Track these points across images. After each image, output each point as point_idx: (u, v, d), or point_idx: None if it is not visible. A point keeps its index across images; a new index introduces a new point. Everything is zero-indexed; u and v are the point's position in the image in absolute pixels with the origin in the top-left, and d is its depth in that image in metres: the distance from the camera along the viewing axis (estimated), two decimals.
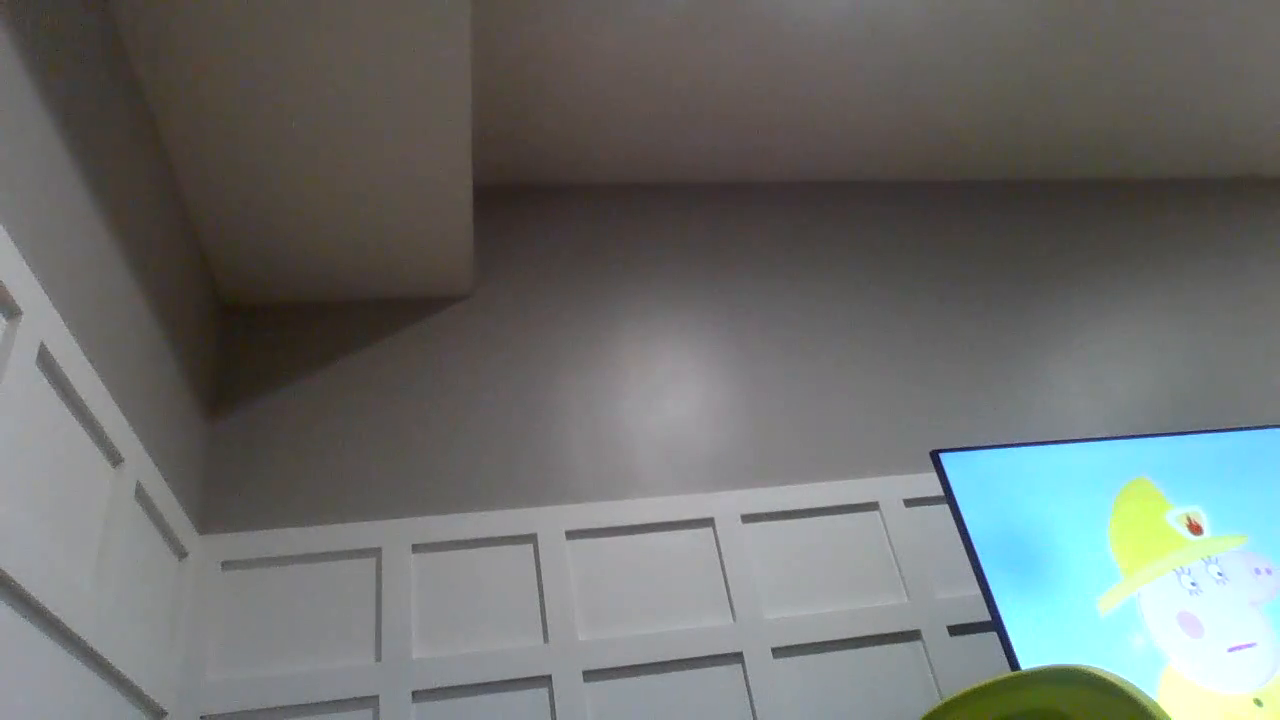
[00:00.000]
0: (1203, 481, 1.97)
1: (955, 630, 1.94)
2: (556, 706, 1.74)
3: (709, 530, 2.02)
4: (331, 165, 1.89)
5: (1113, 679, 1.15)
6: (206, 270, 2.06)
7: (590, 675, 1.79)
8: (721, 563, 1.97)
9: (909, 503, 2.12)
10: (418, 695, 1.72)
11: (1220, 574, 1.85)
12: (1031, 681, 1.31)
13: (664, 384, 2.26)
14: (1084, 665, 1.23)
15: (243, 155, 1.82)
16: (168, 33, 1.57)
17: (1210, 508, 1.94)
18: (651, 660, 1.82)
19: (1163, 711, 1.09)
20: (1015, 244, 2.78)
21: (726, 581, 1.95)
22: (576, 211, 2.55)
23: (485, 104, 2.23)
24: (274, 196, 1.92)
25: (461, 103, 1.80)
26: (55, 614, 1.13)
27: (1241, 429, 2.08)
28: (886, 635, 1.94)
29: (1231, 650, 1.74)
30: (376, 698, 1.69)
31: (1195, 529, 1.91)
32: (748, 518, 2.05)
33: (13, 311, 1.10)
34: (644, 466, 2.11)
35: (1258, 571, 1.88)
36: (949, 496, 1.79)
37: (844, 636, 1.91)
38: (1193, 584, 1.83)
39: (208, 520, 1.88)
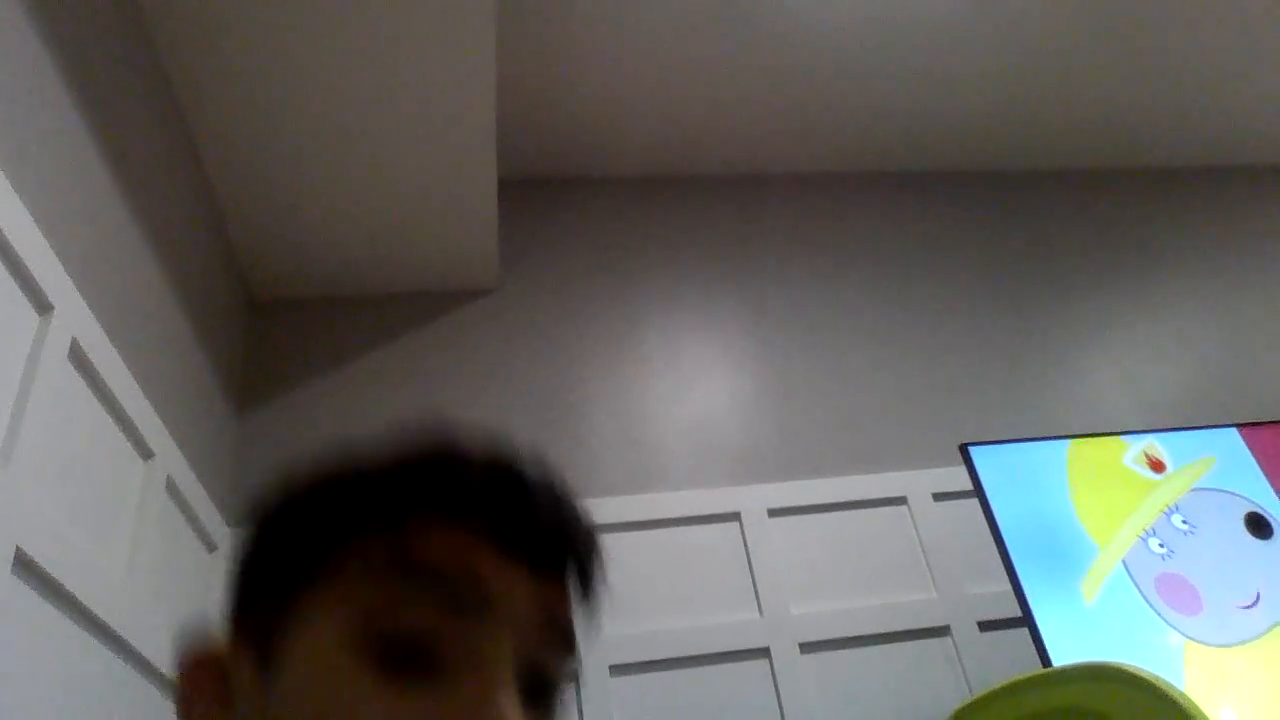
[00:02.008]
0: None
1: (985, 626, 1.92)
2: (582, 701, 1.74)
3: (735, 524, 2.01)
4: (358, 161, 1.90)
5: (1148, 676, 1.13)
6: (235, 265, 2.07)
7: (616, 670, 1.79)
8: (748, 557, 1.97)
9: (938, 497, 2.10)
10: None
11: (1186, 523, 1.73)
12: (1064, 678, 1.29)
13: (690, 377, 2.25)
14: (1118, 662, 1.21)
15: (271, 151, 1.83)
16: (197, 30, 1.58)
17: (1167, 439, 1.82)
18: (677, 655, 1.82)
19: (1198, 708, 1.07)
20: (1045, 235, 2.74)
21: (753, 576, 1.94)
22: (601, 204, 2.55)
23: (509, 97, 2.23)
24: (301, 192, 1.93)
25: (486, 96, 1.80)
26: (87, 605, 1.14)
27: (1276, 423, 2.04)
28: (915, 631, 1.92)
29: (1242, 608, 1.67)
30: None
31: (1157, 466, 1.80)
32: (775, 512, 2.03)
33: (45, 307, 1.11)
34: (670, 460, 2.10)
35: (1225, 505, 1.75)
36: (978, 490, 1.77)
37: (872, 632, 1.90)
38: (1162, 545, 1.70)
39: (238, 514, 1.90)
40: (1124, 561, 1.67)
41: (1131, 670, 1.17)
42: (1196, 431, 1.87)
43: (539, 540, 0.45)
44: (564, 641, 0.45)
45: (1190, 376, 2.47)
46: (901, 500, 2.09)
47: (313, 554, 0.43)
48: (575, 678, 0.38)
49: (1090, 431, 2.07)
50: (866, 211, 2.69)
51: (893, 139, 2.69)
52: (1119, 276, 2.67)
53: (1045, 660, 1.55)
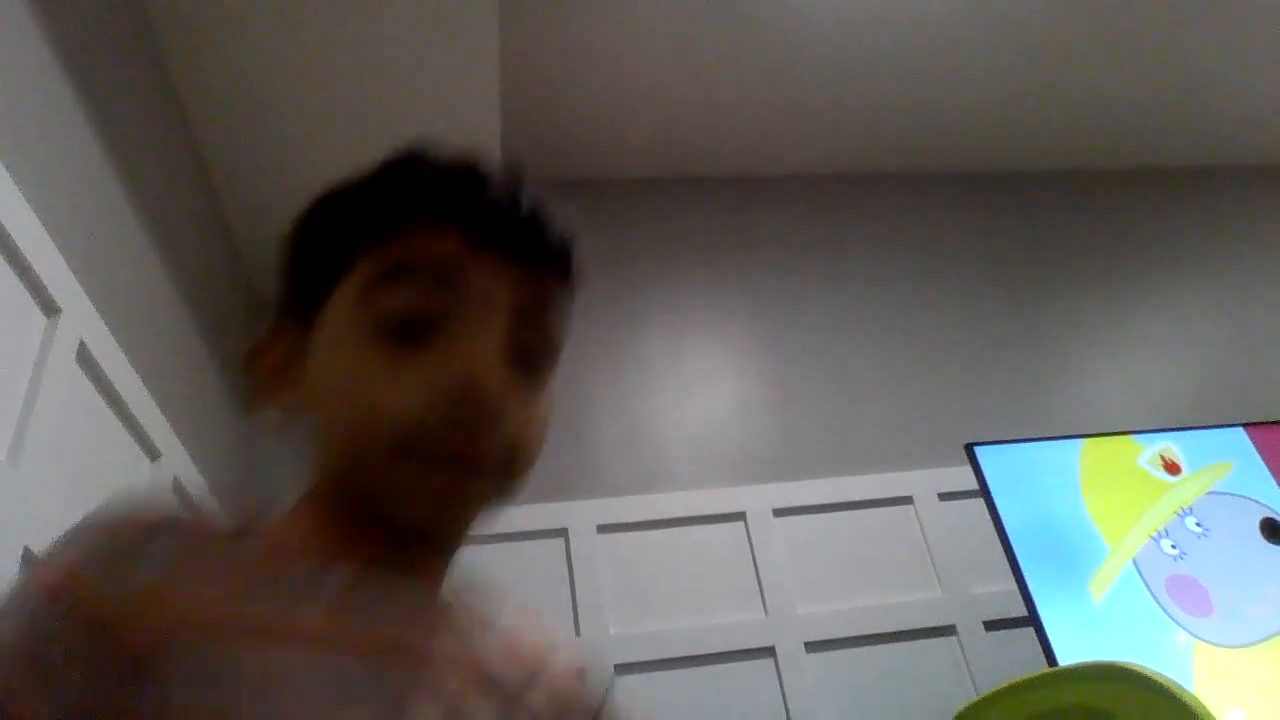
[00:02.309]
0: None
1: (991, 625, 1.92)
2: None
3: (740, 524, 2.01)
4: (362, 163, 1.90)
5: (1156, 676, 1.13)
6: (241, 266, 2.08)
7: (621, 669, 1.79)
8: (753, 557, 1.97)
9: (943, 496, 2.09)
10: None
11: (1200, 525, 1.72)
12: (1071, 678, 1.29)
13: (694, 378, 2.25)
14: (1126, 662, 1.21)
15: (276, 153, 1.83)
16: (202, 35, 1.59)
17: (1183, 441, 1.81)
18: (683, 654, 1.82)
19: (1206, 709, 1.07)
20: (1049, 236, 2.73)
21: (758, 576, 1.94)
22: (604, 206, 2.55)
23: (512, 100, 2.24)
24: (306, 193, 1.92)
25: (489, 100, 1.81)
26: None
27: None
28: (920, 630, 1.92)
29: (1254, 608, 1.66)
30: None
31: (1173, 468, 1.79)
32: (779, 511, 2.03)
33: (52, 309, 1.12)
34: (675, 460, 2.10)
35: (1239, 508, 1.74)
36: (984, 490, 1.77)
37: (877, 631, 1.89)
38: (1175, 547, 1.69)
39: None
40: (1134, 561, 1.66)
41: (1139, 670, 1.16)
42: (1213, 434, 1.84)
43: (516, 235, 0.53)
44: (545, 322, 0.54)
45: (1194, 377, 2.47)
46: (907, 500, 2.09)
47: (330, 258, 0.54)
48: (558, 356, 0.55)
49: (1094, 431, 2.07)
50: (870, 212, 2.68)
51: (896, 140, 2.69)
52: (1123, 277, 2.66)
53: (1051, 660, 1.55)
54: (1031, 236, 2.72)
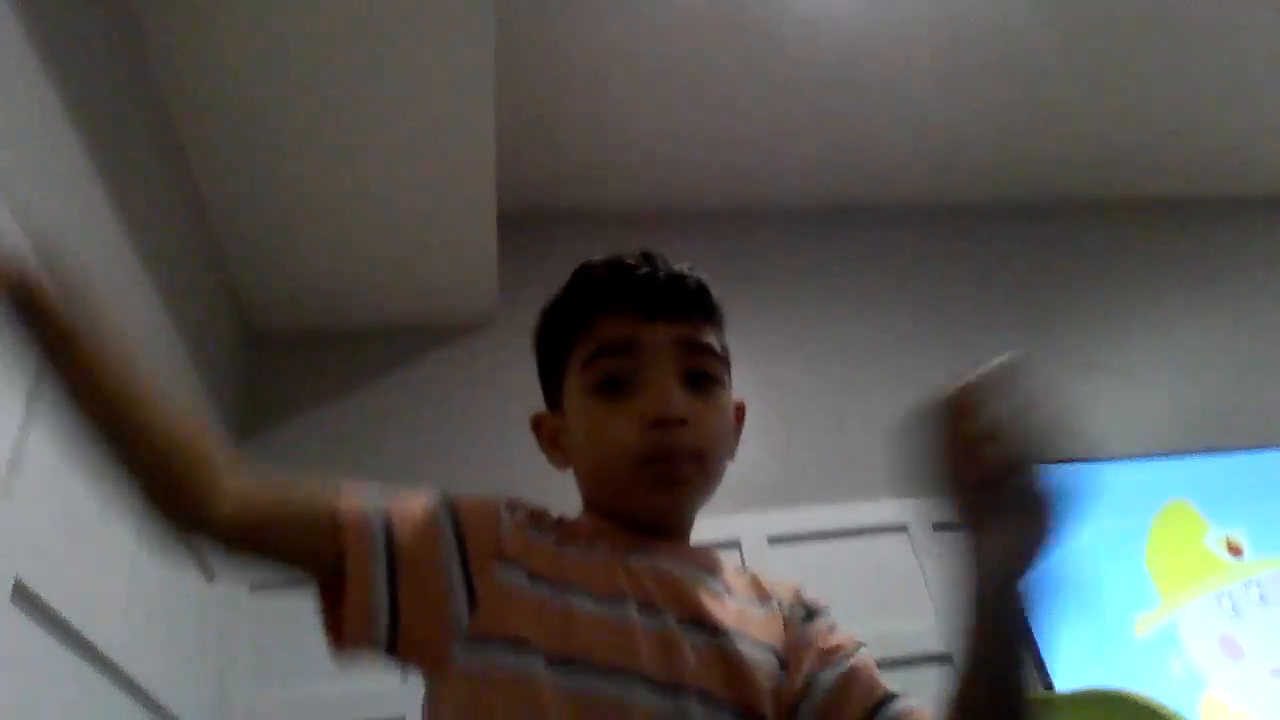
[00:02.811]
0: (1243, 503, 1.91)
1: None
2: None
3: (735, 552, 2.00)
4: (357, 195, 1.91)
5: (1155, 705, 1.12)
6: (234, 298, 2.08)
7: None
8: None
9: (938, 525, 2.09)
10: None
11: (1262, 596, 1.80)
12: (1069, 705, 1.28)
13: None
14: (1124, 689, 1.20)
15: (270, 183, 1.84)
16: (198, 62, 1.60)
17: (1251, 529, 1.89)
18: None
19: None
20: (1047, 265, 2.75)
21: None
22: (600, 237, 2.53)
23: (508, 131, 2.25)
24: (300, 224, 1.94)
25: (485, 130, 1.82)
26: (86, 635, 1.13)
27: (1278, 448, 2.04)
28: (917, 658, 1.90)
29: (1275, 673, 1.69)
30: (404, 717, 1.69)
31: (1235, 551, 1.86)
32: (775, 539, 2.03)
33: None
34: None
35: None
36: None
37: (874, 660, 1.88)
38: (1233, 607, 1.77)
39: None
40: (1180, 614, 1.73)
41: (1137, 698, 1.16)
42: (1277, 526, 1.91)
43: (665, 301, 0.78)
44: (702, 352, 0.79)
45: (1190, 404, 2.47)
46: (903, 528, 2.08)
47: (557, 357, 0.81)
48: (726, 366, 0.86)
49: (1090, 458, 2.07)
50: (866, 243, 2.70)
51: (893, 172, 2.71)
52: (1118, 305, 2.68)
53: (1048, 686, 1.54)
54: (1027, 266, 2.73)
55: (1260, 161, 2.97)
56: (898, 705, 0.75)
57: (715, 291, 0.85)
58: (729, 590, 0.77)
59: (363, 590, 0.67)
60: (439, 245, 2.08)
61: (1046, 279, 2.70)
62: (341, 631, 0.68)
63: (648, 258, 0.82)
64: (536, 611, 0.68)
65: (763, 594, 0.81)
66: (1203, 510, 1.89)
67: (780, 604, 0.80)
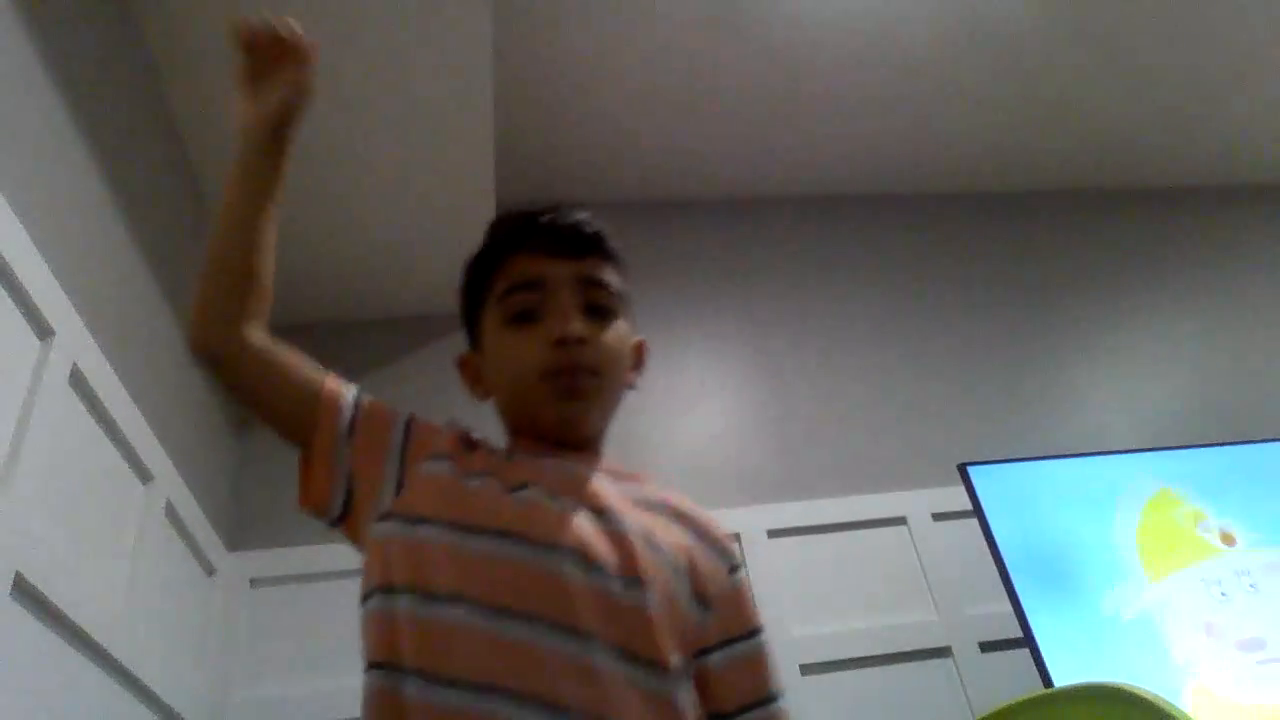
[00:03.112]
0: (1236, 495, 1.91)
1: (987, 646, 1.91)
2: None
3: (735, 546, 2.00)
4: (358, 189, 1.91)
5: (1151, 697, 1.13)
6: None
7: None
8: (749, 578, 1.95)
9: (937, 517, 2.09)
10: None
11: (1253, 585, 1.79)
12: (1066, 698, 1.28)
13: (690, 399, 2.25)
14: (1121, 683, 1.21)
15: None
16: (198, 58, 1.60)
17: (1244, 520, 1.89)
18: None
19: None
20: (1044, 255, 2.75)
21: (753, 598, 1.93)
22: None
23: (508, 122, 2.25)
24: (299, 215, 1.94)
25: (485, 120, 1.82)
26: (86, 630, 1.14)
27: (1276, 440, 2.04)
28: (916, 652, 1.91)
29: (1262, 663, 1.69)
30: None
31: (1228, 540, 1.86)
32: (774, 532, 2.03)
33: (45, 332, 1.12)
34: (669, 481, 2.09)
35: None
36: (977, 510, 1.77)
37: (873, 653, 1.89)
38: (1222, 593, 1.76)
39: (237, 537, 1.89)
40: (1167, 599, 1.72)
41: (1133, 690, 1.16)
42: (1272, 519, 1.91)
43: (568, 243, 0.87)
44: (600, 286, 0.87)
45: (1189, 395, 2.48)
46: (901, 520, 2.09)
47: (480, 289, 0.90)
48: (624, 302, 0.91)
49: (1089, 450, 2.07)
50: (864, 234, 2.70)
51: (891, 162, 2.71)
52: (1117, 296, 2.68)
53: (1047, 680, 1.55)
54: (1026, 257, 2.73)
55: (1268, 148, 2.97)
56: (776, 707, 0.87)
57: (613, 238, 0.91)
58: (646, 502, 0.86)
59: (326, 466, 0.82)
60: (440, 236, 2.07)
61: (1045, 269, 2.70)
62: (304, 494, 0.84)
63: (553, 208, 0.90)
64: (444, 492, 0.79)
65: (683, 517, 0.88)
66: (1195, 500, 1.88)
67: (702, 534, 0.88)
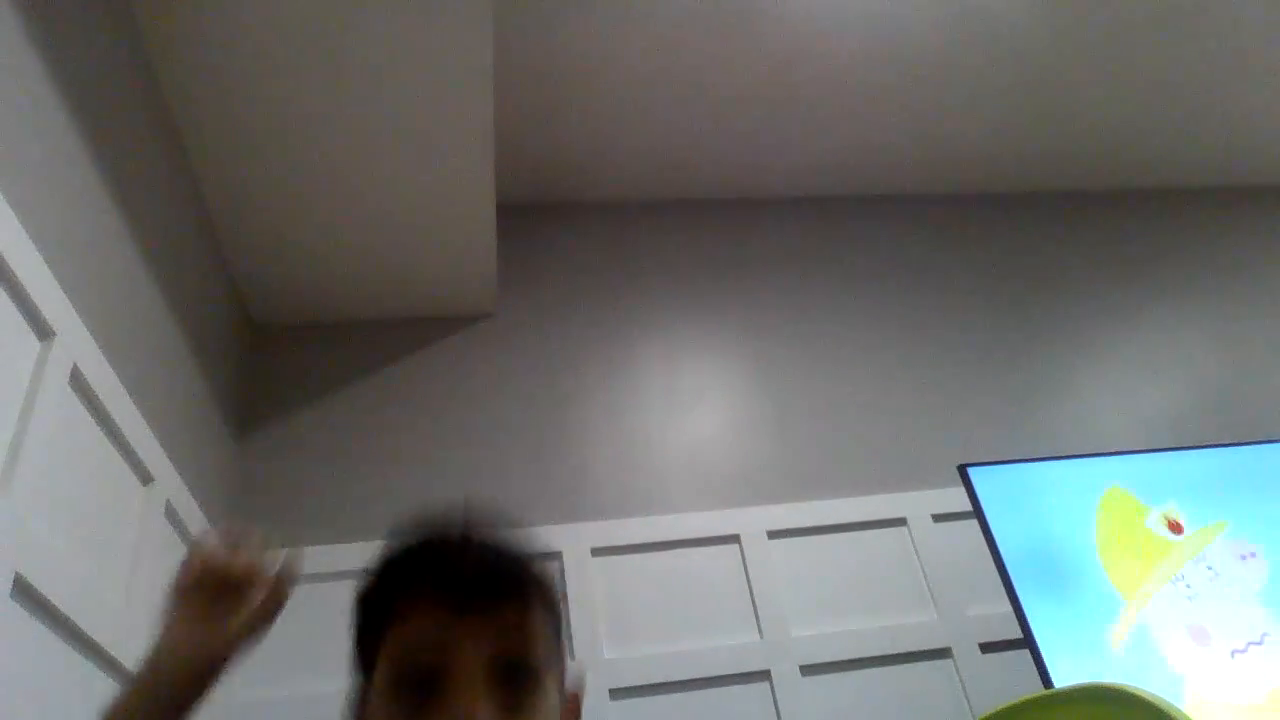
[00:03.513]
0: (1173, 480, 1.91)
1: (987, 647, 1.91)
2: None
3: (735, 546, 2.01)
4: (357, 188, 1.91)
5: (1151, 697, 1.13)
6: (235, 291, 2.08)
7: (616, 693, 1.78)
8: (748, 579, 1.96)
9: (937, 518, 2.09)
10: None
11: (1210, 568, 1.78)
12: (1066, 700, 1.28)
13: (689, 400, 2.25)
14: (1121, 683, 1.20)
15: (270, 176, 1.84)
16: (198, 59, 1.60)
17: (1184, 502, 1.89)
18: (677, 678, 1.81)
19: None
20: (1042, 256, 2.75)
21: (753, 598, 1.93)
22: (599, 229, 2.56)
23: (507, 123, 2.25)
24: (300, 217, 1.94)
25: (484, 122, 1.81)
26: (86, 630, 1.14)
27: (1276, 441, 2.04)
28: (916, 653, 1.91)
29: (1237, 653, 1.69)
30: None
31: (1175, 528, 1.85)
32: (774, 534, 2.03)
33: (46, 333, 1.11)
34: (669, 483, 2.10)
35: (1243, 557, 1.81)
36: (977, 511, 1.77)
37: (873, 654, 1.89)
38: (1188, 588, 1.76)
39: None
40: (1150, 611, 1.72)
41: (1132, 691, 1.16)
42: (1210, 496, 1.91)
43: (477, 594, 0.69)
44: (518, 646, 0.68)
45: (1187, 396, 2.48)
46: (901, 521, 2.09)
47: (374, 631, 0.71)
48: (545, 666, 0.71)
49: (1088, 451, 2.07)
50: (864, 234, 2.70)
51: (890, 162, 2.71)
52: (1116, 297, 2.68)
53: (1046, 681, 1.55)
54: (1025, 258, 2.73)
55: (1266, 150, 2.97)
56: None
57: (537, 571, 0.74)
58: None
59: None
60: (438, 237, 2.07)
61: (1044, 271, 2.70)
62: None
63: (463, 537, 0.73)
64: None
65: None
66: (1135, 493, 1.89)
67: None
